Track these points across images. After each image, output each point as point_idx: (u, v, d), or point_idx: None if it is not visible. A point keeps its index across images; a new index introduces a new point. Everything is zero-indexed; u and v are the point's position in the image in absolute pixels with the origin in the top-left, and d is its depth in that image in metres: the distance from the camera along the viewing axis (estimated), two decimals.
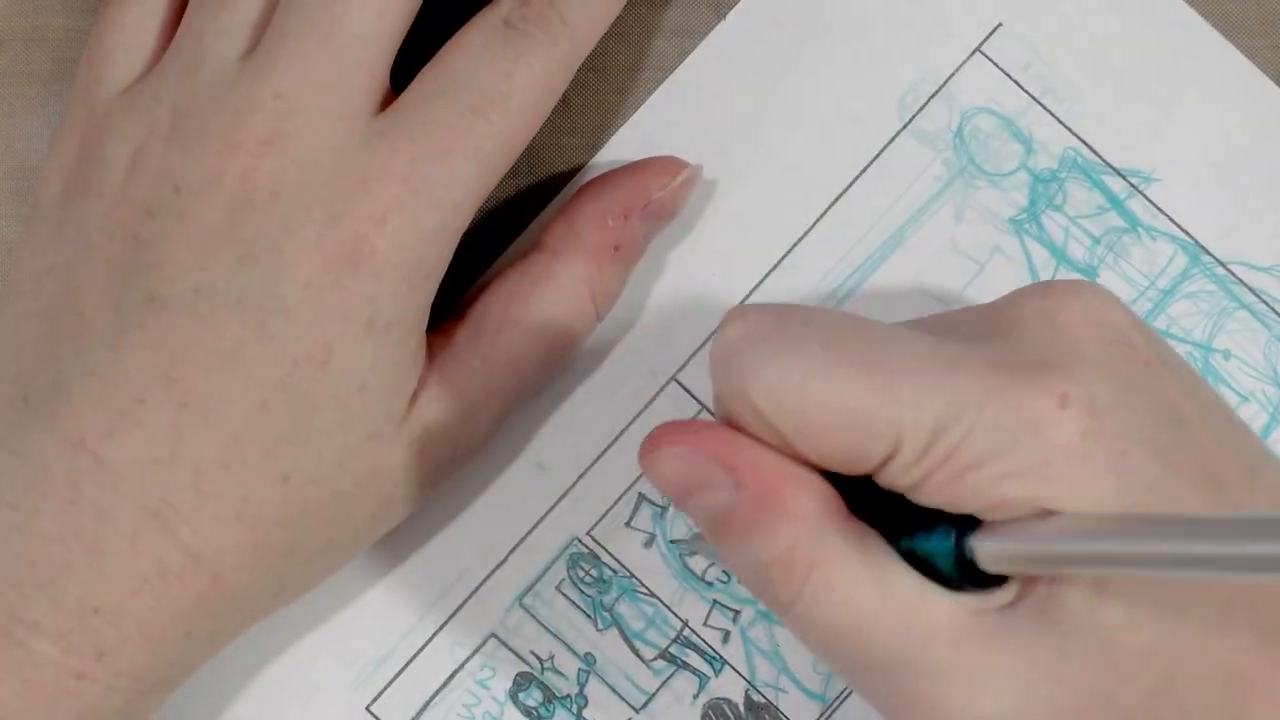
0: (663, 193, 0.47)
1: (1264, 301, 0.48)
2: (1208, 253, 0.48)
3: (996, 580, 0.38)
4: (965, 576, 0.38)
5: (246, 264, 0.42)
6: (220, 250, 0.42)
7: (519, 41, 0.43)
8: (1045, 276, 0.49)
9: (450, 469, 0.46)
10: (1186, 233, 0.49)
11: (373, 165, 0.42)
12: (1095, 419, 0.37)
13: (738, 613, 0.48)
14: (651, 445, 0.39)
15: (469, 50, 0.43)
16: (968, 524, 0.38)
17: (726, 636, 0.48)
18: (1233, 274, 0.48)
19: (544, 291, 0.46)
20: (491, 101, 0.43)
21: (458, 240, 0.43)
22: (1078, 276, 0.41)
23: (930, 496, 0.38)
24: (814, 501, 0.38)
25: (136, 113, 0.43)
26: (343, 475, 0.43)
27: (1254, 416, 0.48)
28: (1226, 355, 0.48)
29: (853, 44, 0.49)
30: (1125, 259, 0.49)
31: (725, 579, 0.48)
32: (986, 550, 0.37)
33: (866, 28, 0.49)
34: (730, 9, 0.49)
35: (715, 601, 0.48)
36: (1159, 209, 0.49)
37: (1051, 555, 0.36)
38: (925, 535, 0.38)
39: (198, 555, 0.42)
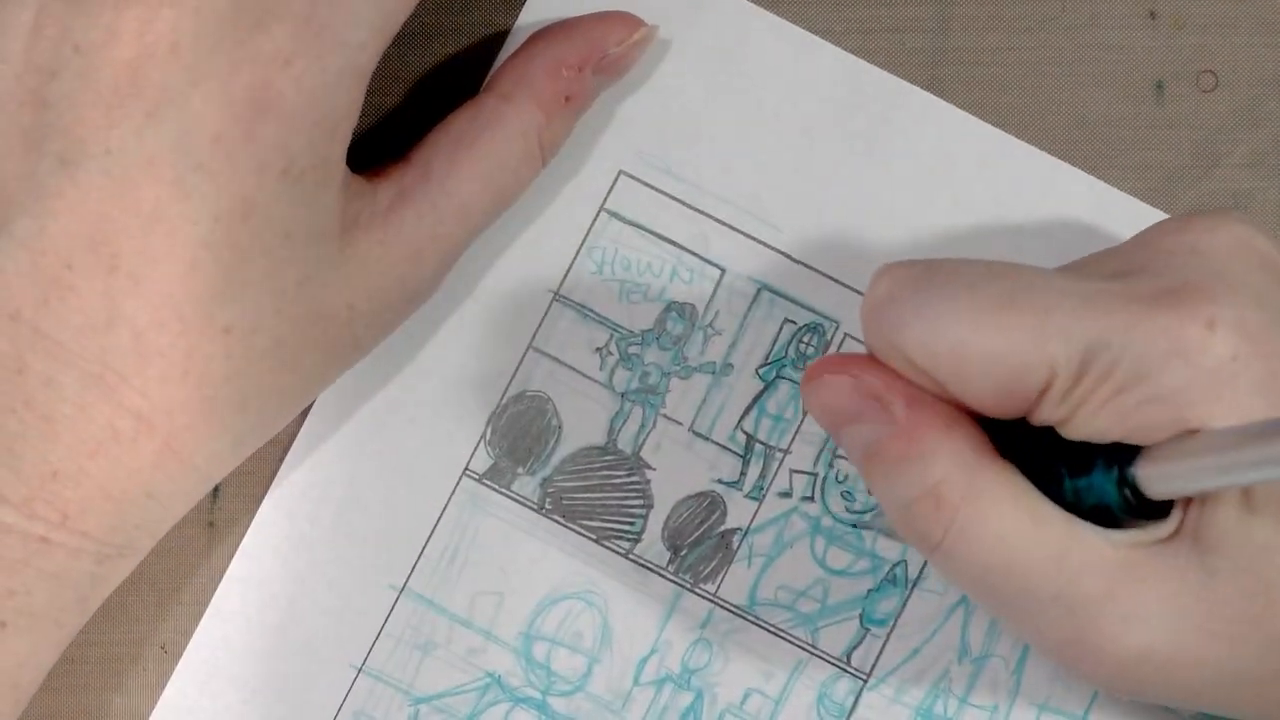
0: (619, 48, 0.47)
1: None
2: None
3: (1155, 514, 0.39)
4: (1128, 508, 0.38)
5: (154, 120, 0.41)
6: (127, 107, 0.41)
7: None
8: None
9: (400, 311, 0.46)
10: None
11: (271, 7, 0.42)
12: (1244, 341, 0.38)
13: None
14: (813, 375, 0.41)
15: None
16: (1128, 457, 0.38)
17: None
18: None
19: (493, 136, 0.46)
20: None
21: (366, 82, 0.43)
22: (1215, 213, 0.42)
23: (1083, 427, 0.39)
24: (966, 439, 0.39)
25: None
26: (283, 321, 0.43)
27: None
28: None
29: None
30: None
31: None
32: (1152, 474, 0.38)
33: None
34: None
35: None
36: None
37: (1204, 470, 0.37)
38: (1085, 474, 0.39)
39: (147, 417, 0.42)
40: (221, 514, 0.49)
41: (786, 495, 0.48)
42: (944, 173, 0.49)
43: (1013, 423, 0.40)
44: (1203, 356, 0.38)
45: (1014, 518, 0.39)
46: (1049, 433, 0.40)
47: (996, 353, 0.39)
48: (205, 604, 0.49)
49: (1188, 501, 0.39)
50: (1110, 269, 0.41)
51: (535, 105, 0.46)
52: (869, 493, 0.47)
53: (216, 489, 0.49)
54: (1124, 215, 0.48)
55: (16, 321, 0.41)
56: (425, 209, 0.45)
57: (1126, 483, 0.39)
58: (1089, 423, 0.39)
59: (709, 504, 0.48)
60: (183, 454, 0.43)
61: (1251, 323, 0.38)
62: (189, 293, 0.42)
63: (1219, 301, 0.38)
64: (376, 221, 0.44)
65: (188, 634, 0.49)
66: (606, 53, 0.47)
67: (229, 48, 0.41)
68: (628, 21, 0.47)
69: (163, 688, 0.49)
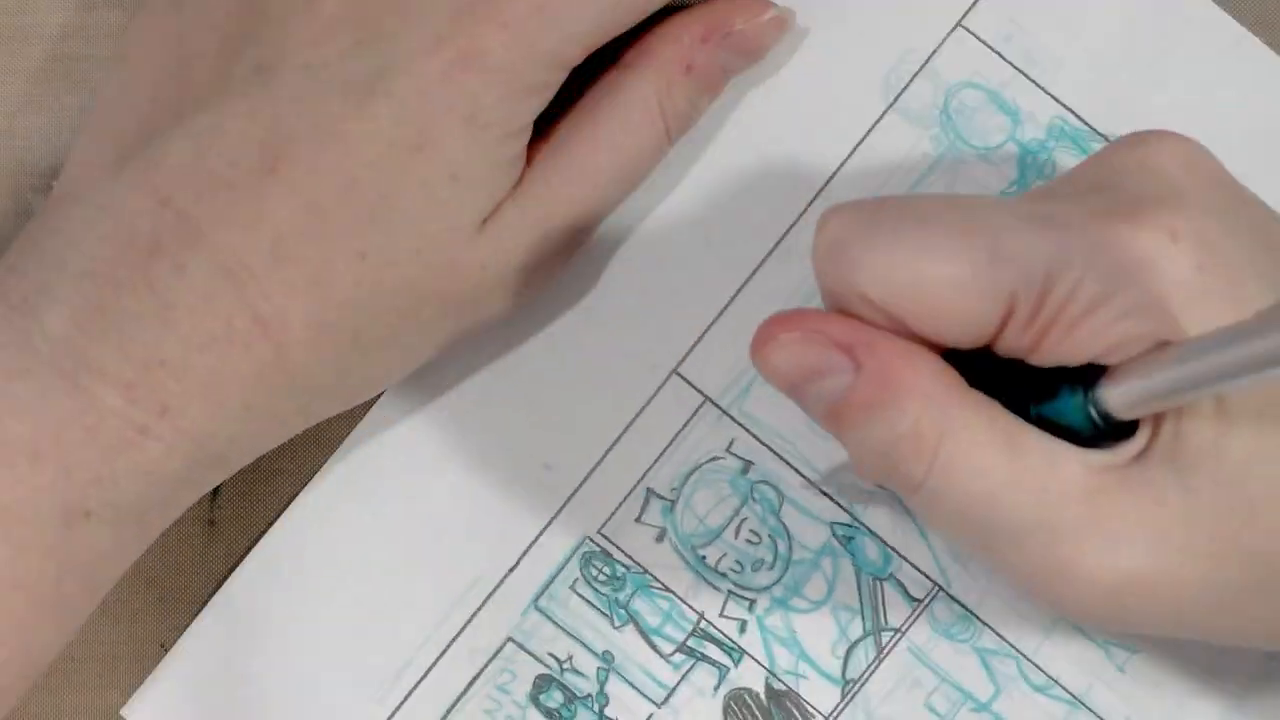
0: (746, 25, 0.47)
1: None
2: None
3: (1125, 434, 0.38)
4: (1096, 432, 0.38)
5: (361, 48, 0.42)
6: (338, 32, 0.42)
7: None
8: None
9: (528, 281, 0.46)
10: None
11: None
12: (1208, 252, 0.37)
13: (753, 601, 0.48)
14: (764, 337, 0.40)
15: None
16: (1091, 379, 0.38)
17: (744, 626, 0.48)
18: None
19: (613, 102, 0.46)
20: None
21: (566, 75, 0.44)
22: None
23: (1050, 353, 0.38)
24: (935, 375, 0.39)
25: None
26: (419, 261, 0.43)
27: None
28: None
29: (832, 27, 0.49)
30: None
31: (739, 569, 0.48)
32: (1116, 395, 0.38)
33: (845, 10, 0.49)
34: None
35: (730, 591, 0.48)
36: None
37: (1182, 380, 0.36)
38: (1051, 399, 0.39)
39: (265, 320, 0.42)
40: (222, 513, 0.49)
41: None
42: None
43: (975, 358, 0.40)
44: (1169, 268, 0.37)
45: (993, 448, 0.39)
46: (1012, 364, 0.40)
47: (955, 280, 0.38)
48: (205, 603, 0.49)
49: (1158, 421, 0.38)
50: (1064, 192, 0.40)
51: (654, 72, 0.46)
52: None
53: (217, 489, 0.49)
54: None
55: (165, 207, 0.42)
56: (552, 176, 0.45)
57: (1093, 404, 0.38)
58: (1055, 349, 0.38)
59: None
60: (288, 369, 0.42)
61: (1212, 233, 0.38)
62: (338, 208, 0.42)
63: (1179, 214, 0.38)
64: (515, 190, 0.45)
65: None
66: (733, 28, 0.47)
67: (456, 2, 0.42)
68: (757, 3, 0.47)
69: None
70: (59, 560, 0.41)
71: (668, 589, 0.48)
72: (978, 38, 0.49)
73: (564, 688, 0.48)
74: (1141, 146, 0.40)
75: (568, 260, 0.47)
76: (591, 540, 0.49)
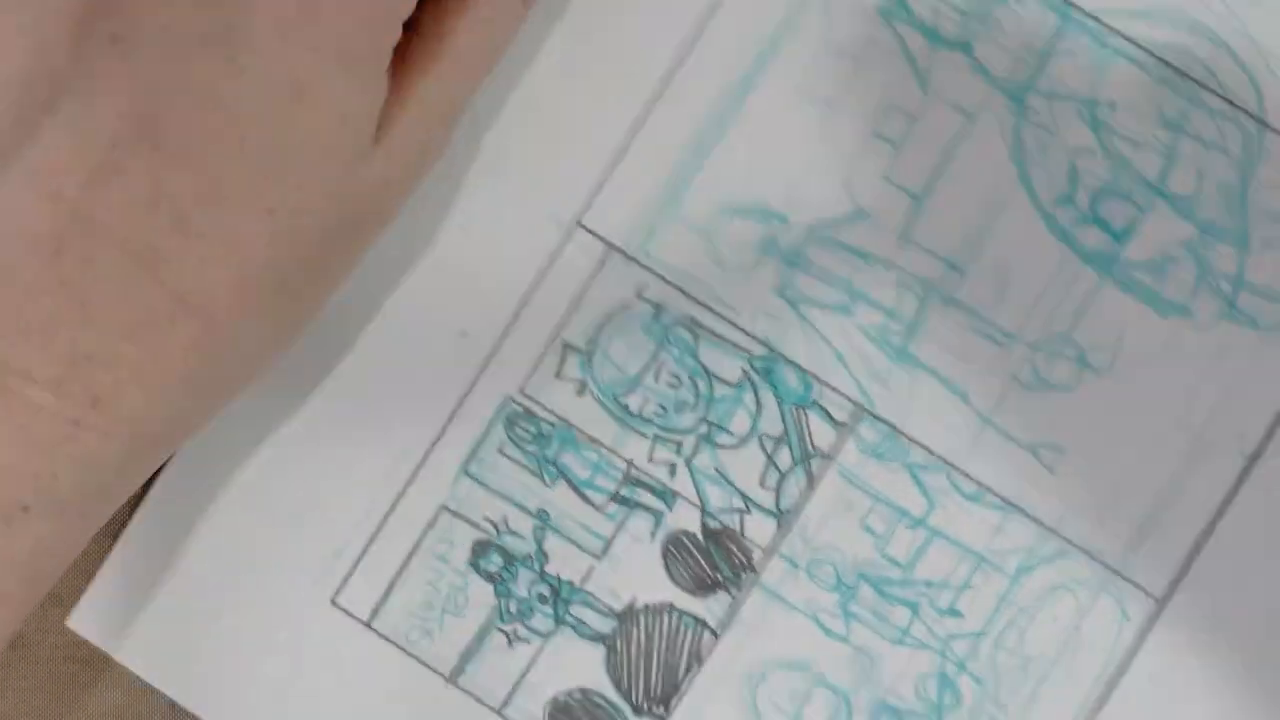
0: None
1: (1140, 46, 0.48)
2: (1075, 7, 0.49)
3: None
4: None
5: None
6: None
7: None
8: (922, 60, 0.49)
9: (422, 174, 0.46)
10: None
11: None
12: None
13: (680, 443, 0.48)
14: None
15: None
16: None
17: (673, 469, 0.48)
18: (1104, 24, 0.49)
19: None
20: None
21: None
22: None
23: None
24: None
25: None
26: (326, 201, 0.43)
27: (1149, 162, 0.48)
28: (1113, 107, 0.48)
29: None
30: (997, 28, 0.49)
31: (662, 412, 0.48)
32: None
33: None
34: None
35: (656, 436, 0.49)
36: None
37: None
38: None
39: (187, 299, 0.41)
40: None
41: None
42: None
43: None
44: None
45: None
46: None
47: None
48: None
49: None
50: None
51: None
52: None
53: None
54: None
55: (57, 202, 0.41)
56: (429, 66, 0.44)
57: None
58: None
59: None
60: (221, 338, 0.42)
61: None
62: (235, 172, 0.41)
63: None
64: (393, 96, 0.44)
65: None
66: None
67: None
68: None
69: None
70: None
71: (594, 441, 0.49)
72: None
73: (502, 550, 0.48)
74: None
75: (453, 134, 0.47)
76: (514, 401, 0.49)
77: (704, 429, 0.48)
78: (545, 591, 0.48)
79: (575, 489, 0.49)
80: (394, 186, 0.45)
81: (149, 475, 0.44)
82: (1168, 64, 0.48)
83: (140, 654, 0.49)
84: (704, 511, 0.48)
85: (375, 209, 0.45)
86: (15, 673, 0.49)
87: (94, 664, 0.49)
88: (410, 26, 0.44)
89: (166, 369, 0.42)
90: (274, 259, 0.42)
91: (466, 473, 0.49)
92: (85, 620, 0.49)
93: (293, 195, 0.42)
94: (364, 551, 0.49)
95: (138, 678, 0.49)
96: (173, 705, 0.49)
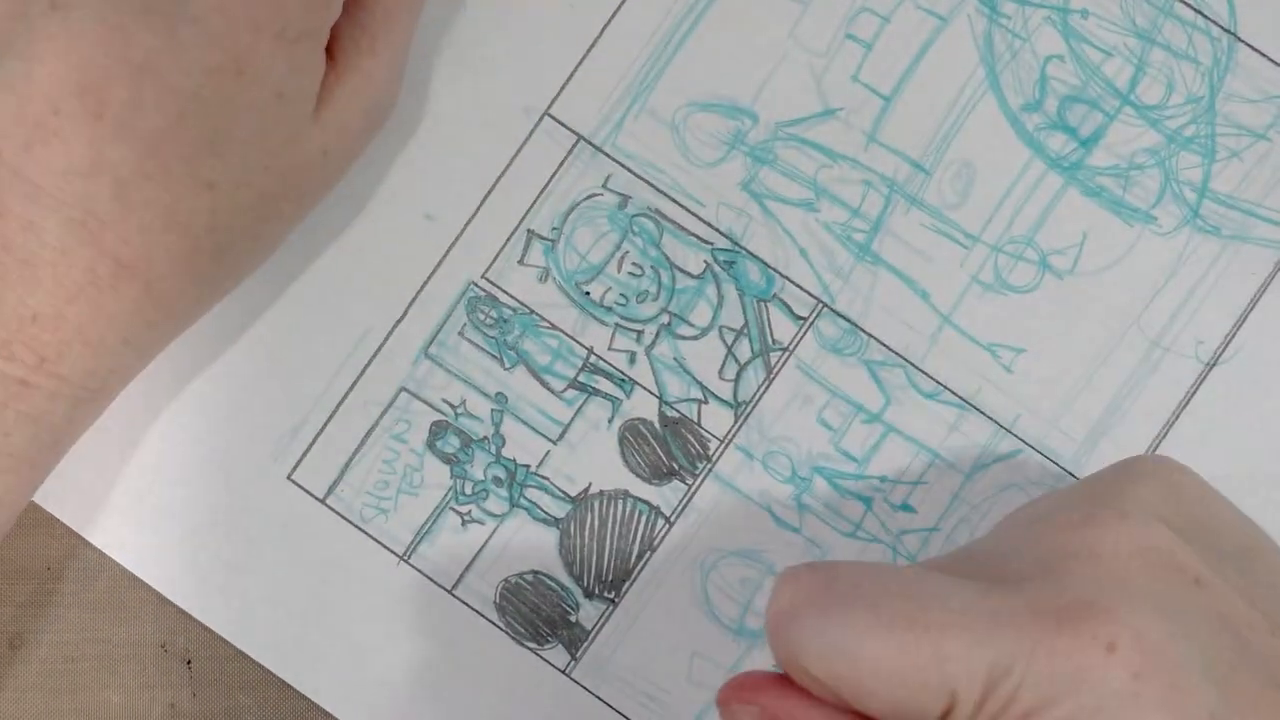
0: None
1: None
2: None
3: None
4: None
5: None
6: None
7: None
8: None
9: (367, 137, 0.46)
10: None
11: None
12: (1145, 657, 0.37)
13: (640, 333, 0.49)
14: (725, 699, 0.40)
15: None
16: None
17: (633, 358, 0.49)
18: None
19: None
20: None
21: None
22: (1118, 506, 0.41)
23: None
24: None
25: None
26: (267, 176, 0.43)
27: (1119, 70, 0.48)
28: (1085, 14, 0.49)
29: None
30: None
31: (624, 301, 0.49)
32: None
33: None
34: None
35: (617, 325, 0.49)
36: None
37: None
38: None
39: (129, 264, 0.42)
40: None
41: None
42: None
43: None
44: (1104, 681, 0.37)
45: None
46: None
47: (898, 673, 0.37)
48: None
49: None
50: (1014, 563, 0.40)
51: None
52: None
53: None
54: None
55: None
56: (362, 39, 0.45)
57: None
58: None
59: None
60: (161, 301, 0.43)
61: (1153, 636, 0.37)
62: (175, 146, 0.42)
63: (1118, 619, 0.37)
64: (333, 66, 0.44)
65: (187, 634, 0.49)
66: None
67: None
68: None
69: (162, 688, 0.50)
70: None
71: (555, 327, 0.49)
72: None
73: (460, 432, 0.49)
74: (1089, 528, 0.39)
75: (399, 89, 0.47)
76: (476, 285, 0.49)
77: (665, 319, 0.49)
78: (501, 474, 0.49)
79: (534, 374, 0.49)
80: (334, 156, 0.45)
81: (90, 425, 0.45)
82: None
83: (105, 529, 0.49)
84: (662, 400, 0.49)
85: (316, 178, 0.45)
86: (15, 672, 0.49)
87: (93, 664, 0.50)
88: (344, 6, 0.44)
89: (108, 329, 0.43)
90: (213, 228, 0.43)
91: (427, 354, 0.49)
92: (61, 503, 0.49)
93: (232, 169, 0.43)
94: (322, 429, 0.49)
95: (138, 678, 0.49)
96: (172, 705, 0.49)
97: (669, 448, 0.48)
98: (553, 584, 0.49)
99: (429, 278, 0.49)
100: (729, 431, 0.48)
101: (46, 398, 0.42)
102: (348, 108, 0.45)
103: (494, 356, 0.49)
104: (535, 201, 0.49)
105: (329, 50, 0.44)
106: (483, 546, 0.49)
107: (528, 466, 0.49)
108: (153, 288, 0.43)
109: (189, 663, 0.49)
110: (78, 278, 0.42)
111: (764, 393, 0.48)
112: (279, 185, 0.44)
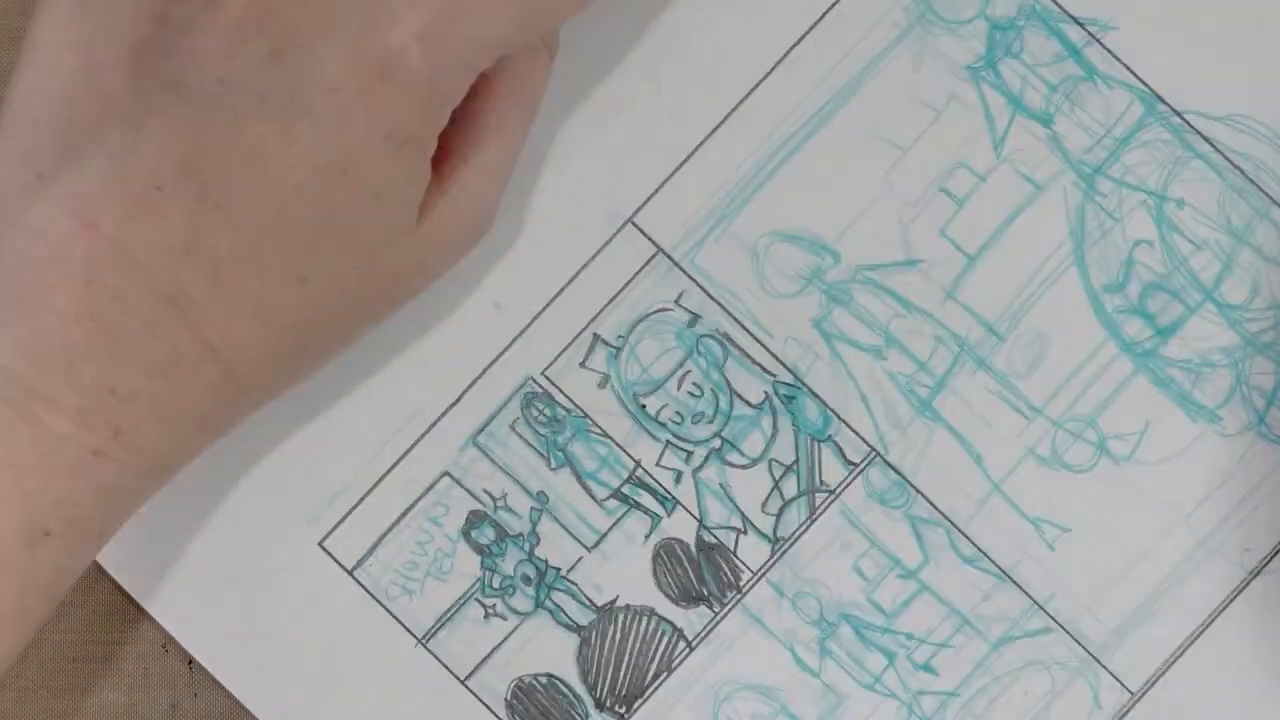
0: None
1: (1218, 150, 0.48)
2: (1163, 101, 0.49)
3: None
4: None
5: (275, 59, 0.41)
6: (250, 40, 0.41)
7: None
8: (1001, 124, 0.49)
9: (464, 252, 0.46)
10: (1143, 81, 0.49)
11: None
12: None
13: (690, 453, 0.48)
14: None
15: None
16: None
17: (679, 477, 0.49)
18: (1188, 123, 0.49)
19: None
20: None
21: (474, 78, 0.43)
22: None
23: None
24: None
25: None
26: (358, 278, 0.43)
27: (1206, 265, 0.48)
28: (1180, 204, 0.48)
29: None
30: (1081, 107, 0.49)
31: (678, 420, 0.49)
32: None
33: None
34: None
35: (668, 442, 0.49)
36: (1116, 57, 0.49)
37: None
38: None
39: (214, 347, 0.42)
40: None
41: None
42: None
43: None
44: None
45: None
46: None
47: None
48: None
49: None
50: None
51: None
52: None
53: None
54: None
55: (94, 231, 0.41)
56: (470, 154, 0.45)
57: None
58: None
59: None
60: (240, 385, 0.43)
61: None
62: (273, 236, 0.41)
63: None
64: (435, 180, 0.44)
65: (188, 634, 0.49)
66: None
67: (369, 5, 0.41)
68: None
69: (162, 687, 0.50)
70: (21, 577, 0.41)
71: (606, 435, 0.49)
72: None
73: (496, 525, 0.49)
74: None
75: (498, 206, 0.47)
76: (535, 381, 0.49)
77: (716, 443, 0.49)
78: (531, 573, 0.48)
79: (579, 478, 0.49)
80: (429, 267, 0.45)
81: (153, 496, 0.44)
82: (1242, 172, 0.48)
83: (132, 572, 0.49)
84: (701, 524, 0.48)
85: (407, 286, 0.45)
86: (15, 672, 0.49)
87: (94, 664, 0.50)
88: (451, 117, 0.44)
89: (185, 407, 0.42)
90: (301, 321, 0.43)
91: (475, 442, 0.49)
92: None
93: (326, 265, 0.42)
94: (359, 501, 0.49)
95: (138, 678, 0.49)
96: (174, 705, 0.49)
97: (701, 572, 0.48)
98: (566, 690, 0.48)
99: (488, 366, 0.49)
100: (763, 565, 0.48)
101: (119, 469, 0.42)
102: (445, 219, 0.45)
103: (541, 455, 0.49)
104: (606, 306, 0.49)
105: (434, 161, 0.44)
106: (502, 642, 0.49)
107: (559, 569, 0.49)
108: (233, 371, 0.42)
109: (190, 663, 0.49)
110: (160, 354, 0.41)
111: (804, 532, 0.48)
112: (371, 288, 0.44)
